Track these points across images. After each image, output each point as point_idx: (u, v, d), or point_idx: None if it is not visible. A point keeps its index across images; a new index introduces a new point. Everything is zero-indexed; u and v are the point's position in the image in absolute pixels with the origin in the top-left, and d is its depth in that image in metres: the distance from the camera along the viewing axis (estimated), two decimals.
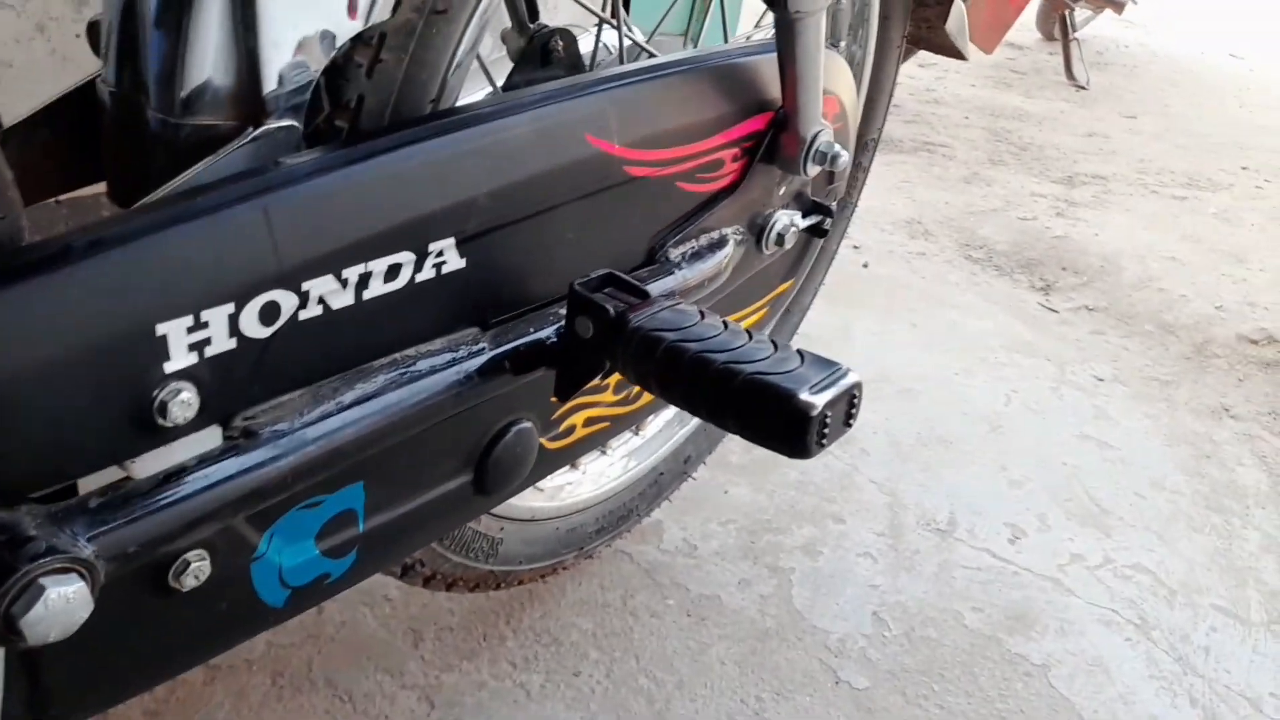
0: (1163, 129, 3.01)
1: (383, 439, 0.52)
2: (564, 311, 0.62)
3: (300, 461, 0.48)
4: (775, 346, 0.51)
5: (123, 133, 0.51)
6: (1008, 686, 1.07)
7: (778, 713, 1.01)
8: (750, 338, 0.52)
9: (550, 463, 0.72)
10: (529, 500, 0.92)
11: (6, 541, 0.38)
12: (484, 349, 0.57)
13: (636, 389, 0.78)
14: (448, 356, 0.56)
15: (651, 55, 0.79)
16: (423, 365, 0.55)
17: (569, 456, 0.74)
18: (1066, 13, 3.10)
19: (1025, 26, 3.58)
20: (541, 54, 0.76)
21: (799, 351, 0.50)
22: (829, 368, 0.49)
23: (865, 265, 1.92)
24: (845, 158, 0.77)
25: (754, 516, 1.26)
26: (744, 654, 1.06)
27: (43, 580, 0.38)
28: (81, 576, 0.39)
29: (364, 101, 0.54)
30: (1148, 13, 3.94)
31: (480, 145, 0.53)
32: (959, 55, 1.21)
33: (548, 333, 0.61)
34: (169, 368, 0.43)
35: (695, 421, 1.14)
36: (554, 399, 0.65)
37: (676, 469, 1.13)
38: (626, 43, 0.78)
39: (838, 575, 1.19)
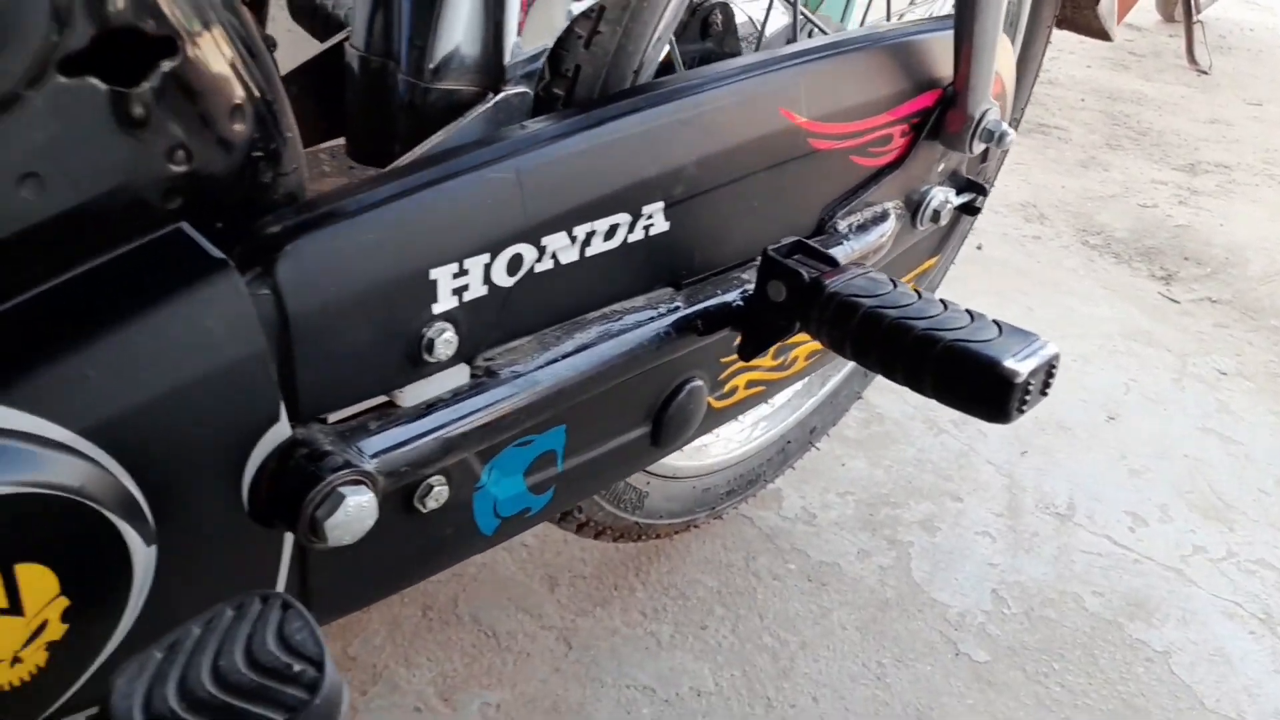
0: None
1: (592, 385, 0.57)
2: (747, 276, 0.66)
3: (529, 400, 0.53)
4: (972, 316, 0.53)
5: (369, 94, 0.56)
6: (1128, 670, 1.08)
7: (899, 678, 1.04)
8: (946, 307, 0.54)
9: (713, 420, 0.76)
10: (672, 458, 0.96)
11: (308, 455, 0.43)
12: (679, 307, 0.61)
13: (793, 356, 0.82)
14: (649, 313, 0.60)
15: (823, 31, 0.81)
16: (628, 320, 0.59)
17: (729, 415, 0.78)
18: None
19: (1144, 8, 3.45)
20: (701, 27, 0.80)
21: (995, 321, 0.53)
22: (1028, 338, 0.52)
23: (979, 248, 1.91)
24: (1012, 136, 0.78)
25: (871, 490, 1.28)
26: (865, 621, 1.09)
27: (342, 489, 0.43)
28: (369, 488, 0.44)
29: (580, 71, 0.59)
30: None
31: (693, 115, 0.57)
32: (1105, 36, 1.19)
33: (734, 295, 0.64)
34: (436, 309, 0.48)
35: (822, 394, 1.16)
36: (724, 359, 0.69)
37: (803, 438, 1.16)
38: (799, 19, 0.80)
39: (956, 552, 1.20)
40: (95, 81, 0.36)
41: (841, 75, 0.67)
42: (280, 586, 0.48)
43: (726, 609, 1.09)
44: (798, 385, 1.13)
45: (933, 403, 1.43)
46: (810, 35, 0.85)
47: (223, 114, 0.40)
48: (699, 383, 0.70)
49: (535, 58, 0.55)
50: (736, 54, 0.79)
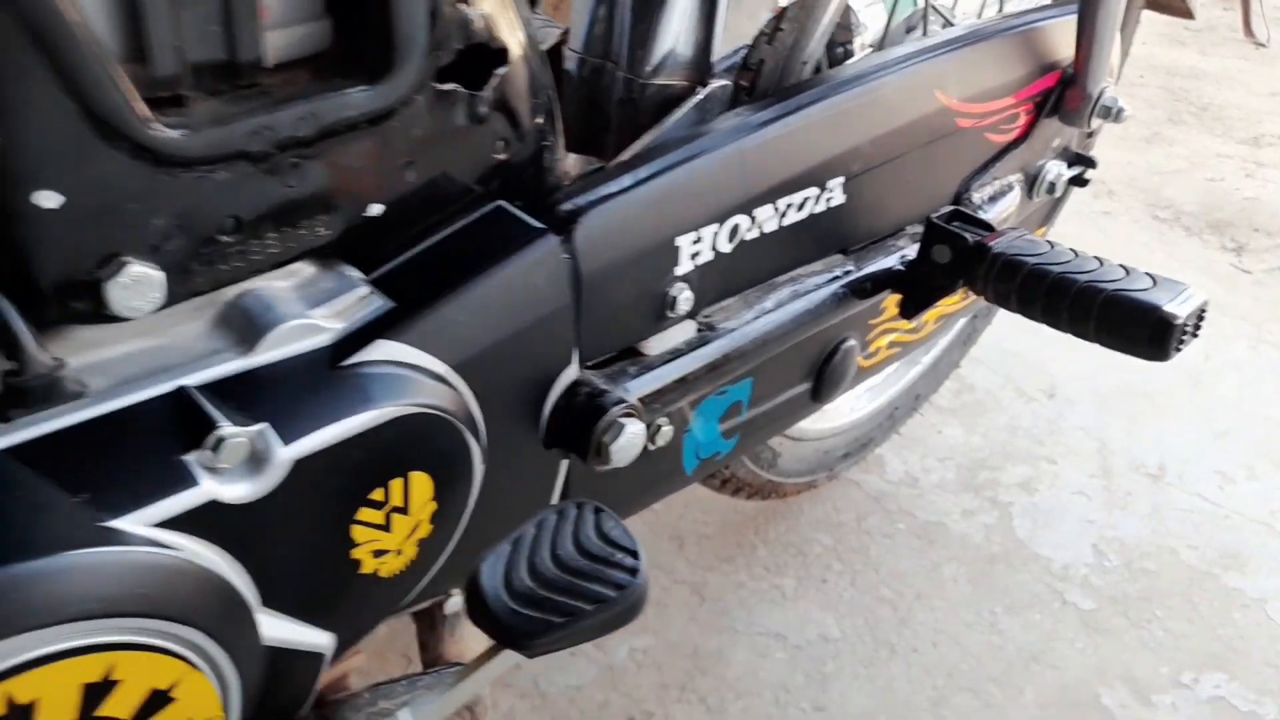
0: None
1: (786, 339, 0.66)
2: (902, 243, 0.75)
3: (741, 350, 0.62)
4: (1126, 270, 0.62)
5: (588, 91, 0.66)
6: (1226, 615, 1.16)
7: (1011, 625, 1.12)
8: (1101, 262, 0.63)
9: (859, 377, 0.85)
10: (801, 422, 1.05)
11: (590, 392, 0.53)
12: (850, 271, 0.70)
13: (924, 321, 0.90)
14: (826, 276, 0.69)
15: (949, 21, 0.89)
16: (811, 282, 0.68)
17: (871, 374, 0.87)
18: None
19: None
20: None
21: (1148, 274, 0.62)
22: (1180, 286, 0.60)
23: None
24: (1127, 111, 0.86)
25: (969, 455, 1.36)
26: (974, 574, 1.18)
27: (621, 420, 0.53)
28: (639, 420, 0.54)
29: (763, 65, 0.68)
30: None
31: (870, 99, 0.66)
32: (1189, 15, 1.26)
33: (893, 260, 0.73)
34: (677, 271, 0.57)
35: (926, 362, 1.25)
36: (871, 322, 0.78)
37: (909, 404, 1.24)
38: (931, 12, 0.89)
39: (1055, 510, 1.28)
40: (458, 87, 0.46)
41: (984, 59, 0.76)
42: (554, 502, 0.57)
43: (843, 564, 1.18)
44: (918, 352, 1.22)
45: (1020, 372, 1.50)
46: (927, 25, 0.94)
47: (528, 111, 0.50)
48: (852, 343, 0.79)
49: (734, 54, 0.65)
50: (847, 44, 0.88)
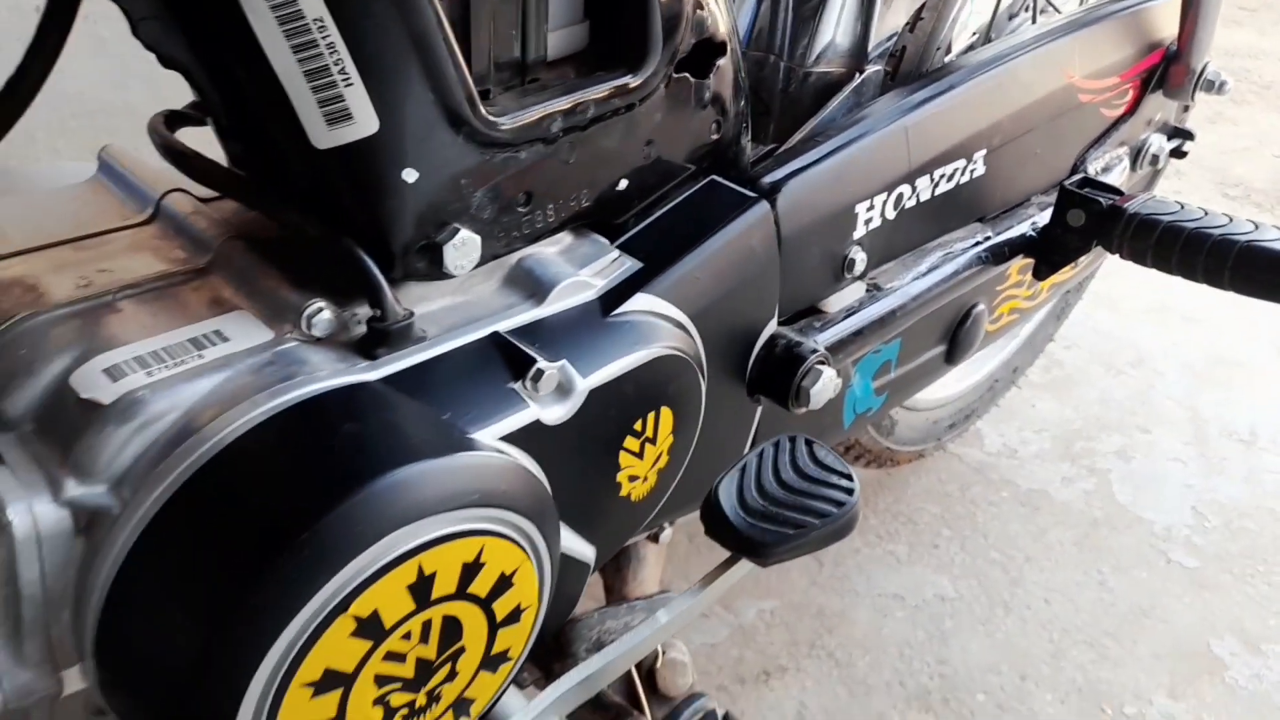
0: None
1: (939, 299, 0.74)
2: (1031, 211, 0.82)
3: (904, 309, 0.70)
4: (1255, 225, 0.69)
5: (752, 82, 0.74)
6: None
7: (1119, 583, 1.18)
8: (1230, 219, 0.70)
9: (986, 341, 0.92)
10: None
11: (788, 344, 0.61)
12: (990, 237, 0.78)
13: (1041, 288, 0.97)
14: (969, 242, 0.76)
15: (1055, 8, 0.96)
16: (956, 248, 0.75)
17: (995, 339, 0.94)
18: None
19: None
20: None
21: (1275, 226, 0.68)
22: None
23: None
24: (1231, 83, 0.93)
25: (1064, 426, 1.42)
26: (1079, 537, 1.24)
27: (818, 367, 0.60)
28: (830, 367, 0.61)
29: (905, 51, 0.75)
30: None
31: (1010, 79, 0.73)
32: None
33: (1026, 226, 0.81)
34: (855, 235, 0.65)
35: (1024, 336, 1.31)
36: (998, 288, 0.85)
37: (1008, 377, 1.31)
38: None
39: (1153, 476, 1.34)
40: (689, 76, 0.54)
41: (1101, 39, 0.83)
42: (747, 447, 0.65)
43: (952, 531, 1.25)
44: (1015, 328, 1.28)
45: (1107, 348, 1.56)
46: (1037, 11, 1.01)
47: (734, 96, 0.58)
48: (982, 307, 0.87)
49: (886, 41, 0.72)
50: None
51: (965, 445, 1.38)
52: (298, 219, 0.45)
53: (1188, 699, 1.06)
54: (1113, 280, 1.59)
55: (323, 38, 0.39)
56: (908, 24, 0.75)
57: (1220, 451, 1.39)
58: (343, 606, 0.38)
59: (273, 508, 0.38)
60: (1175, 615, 1.15)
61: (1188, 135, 1.03)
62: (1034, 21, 0.97)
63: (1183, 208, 0.72)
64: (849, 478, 0.55)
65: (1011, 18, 1.02)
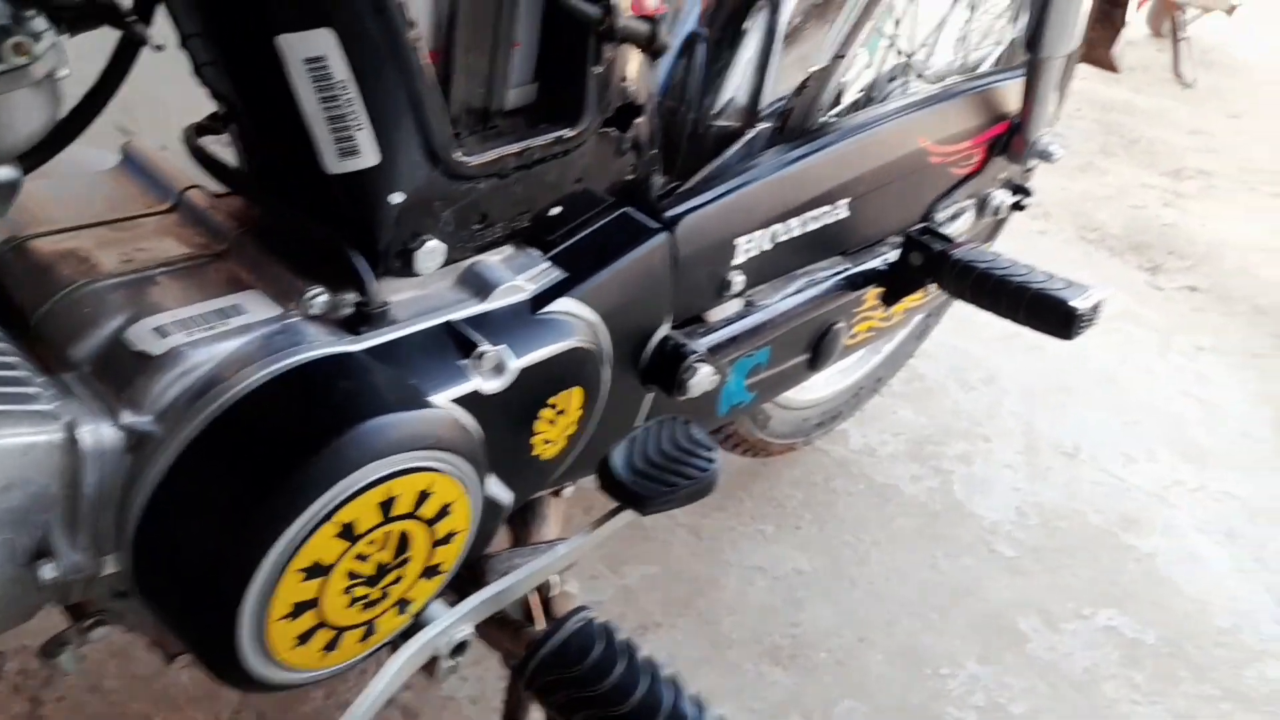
0: (1265, 130, 3.28)
1: (801, 316, 0.91)
2: (886, 249, 1.00)
3: (769, 323, 0.87)
4: (1048, 275, 0.89)
5: (666, 126, 0.90)
6: (1123, 566, 1.45)
7: (948, 567, 1.40)
8: (1030, 269, 0.90)
9: (843, 353, 1.11)
10: (787, 392, 1.31)
11: (676, 345, 0.78)
12: (848, 268, 0.96)
13: (895, 310, 1.16)
14: (831, 271, 0.95)
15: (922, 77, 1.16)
16: (819, 275, 0.93)
17: (853, 351, 1.13)
18: (1176, 12, 3.37)
19: (1135, 23, 3.82)
20: None
21: (1063, 278, 0.89)
22: (1085, 287, 0.87)
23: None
24: (1060, 153, 1.14)
25: (918, 432, 1.64)
26: (920, 526, 1.45)
27: (696, 365, 0.77)
28: (707, 365, 0.78)
29: (792, 111, 0.93)
30: (1256, 11, 4.16)
31: (871, 142, 0.92)
32: (1114, 69, 1.56)
33: (879, 262, 0.99)
34: (735, 262, 0.82)
35: (888, 352, 1.52)
36: (855, 310, 1.04)
37: (871, 386, 1.51)
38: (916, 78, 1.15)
39: (987, 479, 1.57)
40: (613, 130, 0.70)
41: (953, 112, 1.03)
42: (636, 424, 0.82)
43: (813, 515, 1.44)
44: (879, 343, 1.48)
45: (963, 365, 1.80)
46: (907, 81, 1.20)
47: (648, 145, 0.74)
48: (841, 325, 1.05)
49: (773, 103, 0.90)
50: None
51: (832, 442, 1.58)
52: (303, 219, 0.59)
53: (993, 665, 1.28)
54: (972, 308, 1.82)
55: (344, 93, 0.53)
56: (796, 89, 0.92)
57: (1046, 462, 1.63)
58: (329, 515, 0.52)
59: (282, 440, 0.52)
60: (992, 595, 1.37)
61: (1027, 192, 1.25)
62: (906, 89, 1.17)
63: (996, 258, 0.92)
64: (712, 450, 0.72)
65: (891, 80, 1.21)
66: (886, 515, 1.47)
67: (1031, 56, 1.06)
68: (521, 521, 0.92)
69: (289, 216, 0.60)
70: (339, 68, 0.52)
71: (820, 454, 1.56)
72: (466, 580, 0.75)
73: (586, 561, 1.32)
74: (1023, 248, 2.27)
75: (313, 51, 0.51)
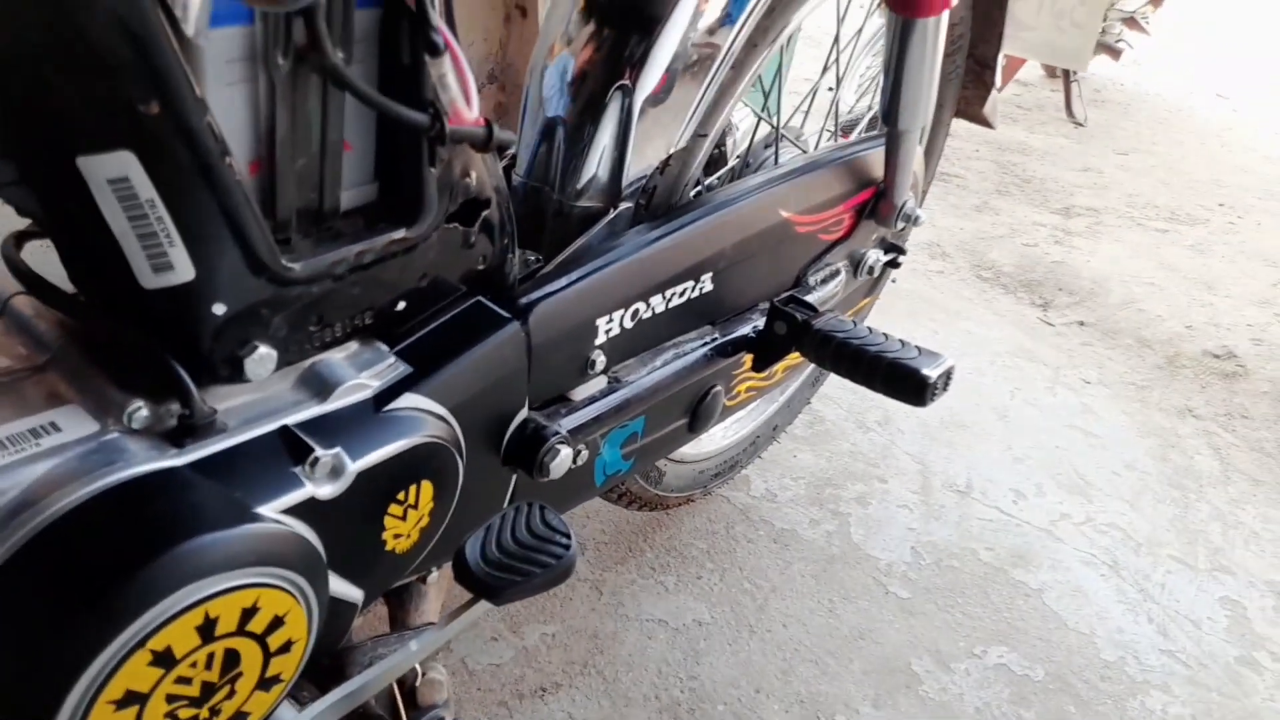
0: (1150, 166, 3.41)
1: (669, 388, 0.91)
2: (755, 317, 1.01)
3: (635, 398, 0.87)
4: (902, 343, 0.90)
5: (530, 207, 0.90)
6: (1012, 603, 1.47)
7: (845, 610, 1.40)
8: (886, 337, 0.91)
9: (725, 414, 1.11)
10: (682, 449, 1.31)
11: (536, 428, 0.77)
12: (716, 338, 0.97)
13: (775, 371, 1.18)
14: (699, 342, 0.95)
15: (798, 146, 1.18)
16: (688, 347, 0.94)
17: (735, 411, 1.13)
18: None
19: (1031, 64, 3.95)
20: None
21: (916, 346, 0.90)
22: (936, 356, 0.89)
23: (894, 281, 2.31)
24: (924, 217, 1.16)
25: (817, 475, 1.65)
26: (818, 571, 1.46)
27: (557, 446, 0.77)
28: (570, 446, 0.78)
29: (655, 189, 0.93)
30: (1144, 52, 4.34)
31: (734, 217, 0.92)
32: (989, 125, 1.60)
33: (748, 329, 1.00)
34: (596, 342, 0.82)
35: (782, 400, 1.53)
36: (735, 373, 1.05)
37: (768, 434, 1.52)
38: (784, 144, 1.17)
39: (883, 520, 1.58)
40: (458, 225, 0.69)
41: (818, 184, 1.04)
42: (504, 506, 0.81)
43: (714, 564, 1.44)
44: (774, 393, 1.50)
45: (861, 407, 1.82)
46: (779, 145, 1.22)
47: (499, 235, 0.74)
48: (719, 388, 1.06)
49: (636, 181, 0.90)
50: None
51: (734, 489, 1.59)
52: (124, 331, 0.57)
53: (887, 709, 1.29)
54: None
55: (152, 212, 0.52)
56: (658, 167, 0.93)
57: (940, 500, 1.66)
58: (142, 643, 0.50)
59: (86, 568, 0.50)
60: (886, 637, 1.38)
61: (900, 250, 1.27)
62: (776, 155, 1.18)
63: (855, 327, 0.93)
64: (568, 537, 0.71)
65: (767, 147, 1.23)
66: (785, 561, 1.47)
67: (890, 129, 1.08)
68: (399, 602, 0.90)
69: (108, 327, 0.58)
70: (144, 187, 0.51)
71: (722, 501, 1.57)
72: (326, 675, 0.73)
73: (486, 622, 1.30)
74: (922, 287, 2.33)
75: (114, 173, 0.50)
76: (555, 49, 0.90)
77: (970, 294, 2.36)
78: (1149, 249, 2.75)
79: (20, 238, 0.61)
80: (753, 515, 1.55)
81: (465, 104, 0.58)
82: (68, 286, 0.59)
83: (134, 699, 0.51)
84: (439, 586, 0.93)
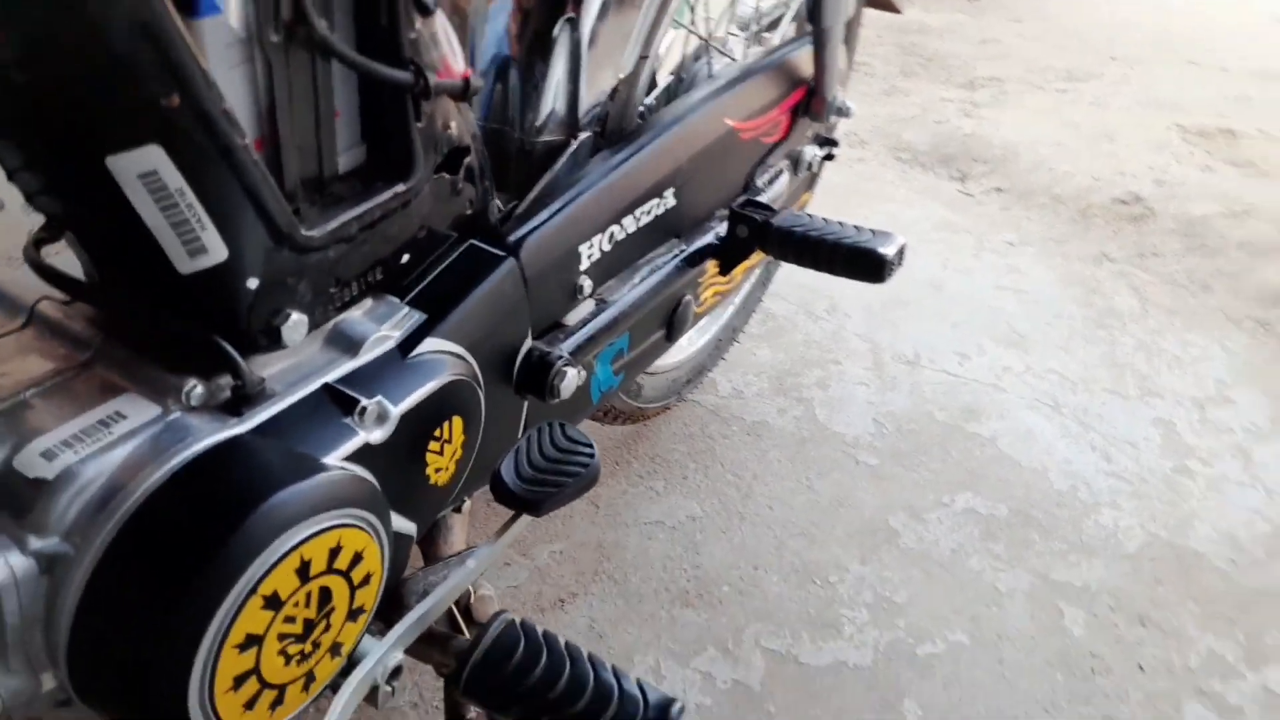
0: (1044, 31, 3.52)
1: (650, 301, 0.97)
2: (715, 225, 1.07)
3: (624, 315, 0.93)
4: (856, 229, 0.97)
5: (494, 149, 0.93)
6: (970, 453, 1.60)
7: (822, 485, 1.51)
8: (841, 225, 0.98)
9: (696, 321, 1.18)
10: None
11: (542, 355, 0.83)
12: (684, 249, 1.03)
13: (735, 274, 1.24)
14: (670, 255, 1.01)
15: (727, 55, 1.22)
16: (660, 261, 1.00)
17: (705, 316, 1.20)
18: None
19: None
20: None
21: (870, 230, 0.97)
22: (889, 235, 0.96)
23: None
24: (854, 108, 1.23)
25: (777, 368, 1.75)
26: (791, 454, 1.56)
27: (565, 369, 0.82)
28: (573, 366, 0.83)
29: (609, 116, 0.98)
30: None
31: (684, 134, 0.98)
32: (896, 10, 1.66)
33: (710, 237, 1.06)
34: (580, 268, 0.87)
35: (737, 302, 1.61)
36: (700, 280, 1.11)
37: (729, 336, 1.60)
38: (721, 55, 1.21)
39: (844, 399, 1.69)
40: (445, 174, 0.73)
41: (754, 90, 1.09)
42: (520, 431, 0.87)
43: (696, 464, 1.53)
44: (731, 296, 1.57)
45: (809, 299, 1.91)
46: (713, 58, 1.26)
47: (480, 178, 0.78)
48: (689, 297, 1.12)
49: (591, 110, 0.94)
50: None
51: (703, 393, 1.67)
52: (164, 317, 0.60)
53: (873, 563, 1.41)
54: None
55: (182, 200, 0.55)
56: (609, 94, 0.97)
57: (892, 373, 1.77)
58: (254, 590, 0.55)
59: (191, 535, 0.54)
60: (863, 502, 1.50)
61: (834, 143, 1.34)
62: (711, 67, 1.23)
63: (812, 219, 1.00)
64: (590, 446, 0.78)
65: (696, 59, 1.27)
66: (761, 450, 1.57)
67: (815, 27, 1.13)
68: (429, 540, 0.96)
69: (148, 315, 0.61)
70: (172, 177, 0.54)
71: (694, 406, 1.65)
72: (388, 607, 0.79)
73: None
74: (846, 177, 2.41)
75: (144, 167, 0.53)
76: None
77: (892, 176, 2.45)
78: (1051, 110, 2.86)
79: (37, 243, 0.63)
80: (724, 414, 1.64)
81: (453, 58, 0.62)
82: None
83: (253, 641, 0.56)
84: (462, 520, 0.99)
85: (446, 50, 0.62)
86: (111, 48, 0.48)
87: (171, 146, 0.53)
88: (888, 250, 0.94)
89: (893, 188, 2.39)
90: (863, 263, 0.94)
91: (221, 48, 0.56)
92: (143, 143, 0.52)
